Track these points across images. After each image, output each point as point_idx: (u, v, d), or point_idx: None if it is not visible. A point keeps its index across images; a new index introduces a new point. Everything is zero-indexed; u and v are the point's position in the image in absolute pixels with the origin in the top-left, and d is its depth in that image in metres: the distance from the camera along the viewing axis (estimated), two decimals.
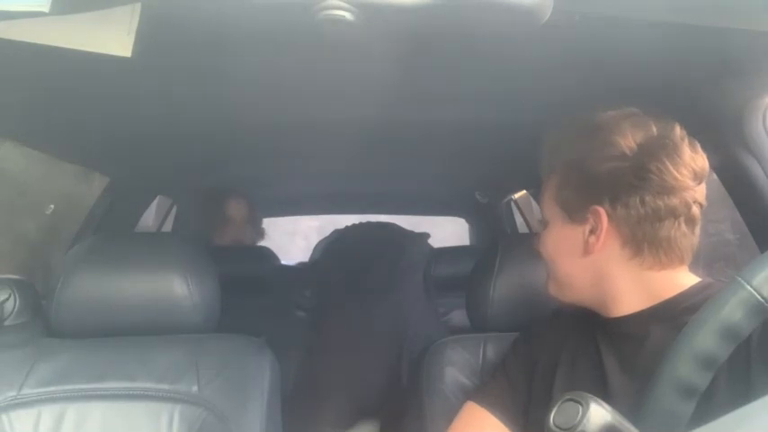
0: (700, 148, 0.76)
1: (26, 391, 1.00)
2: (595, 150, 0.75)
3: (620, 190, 0.73)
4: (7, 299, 1.14)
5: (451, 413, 0.95)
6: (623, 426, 0.49)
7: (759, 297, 0.55)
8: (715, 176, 1.00)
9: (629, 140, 0.74)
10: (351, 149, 1.60)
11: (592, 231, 0.76)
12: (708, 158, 0.77)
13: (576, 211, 0.78)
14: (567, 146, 0.80)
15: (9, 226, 1.48)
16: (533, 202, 2.35)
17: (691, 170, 0.73)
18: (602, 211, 0.75)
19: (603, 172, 0.74)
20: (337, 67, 0.88)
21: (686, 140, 0.75)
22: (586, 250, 0.77)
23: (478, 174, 2.12)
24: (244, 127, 1.30)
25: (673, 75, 0.88)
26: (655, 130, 0.75)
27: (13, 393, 1.00)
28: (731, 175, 1.00)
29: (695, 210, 0.74)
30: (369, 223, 1.86)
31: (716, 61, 0.83)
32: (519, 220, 2.61)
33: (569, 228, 0.79)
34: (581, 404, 0.50)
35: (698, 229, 0.76)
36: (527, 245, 1.20)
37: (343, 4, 0.53)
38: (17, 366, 1.02)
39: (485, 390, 0.92)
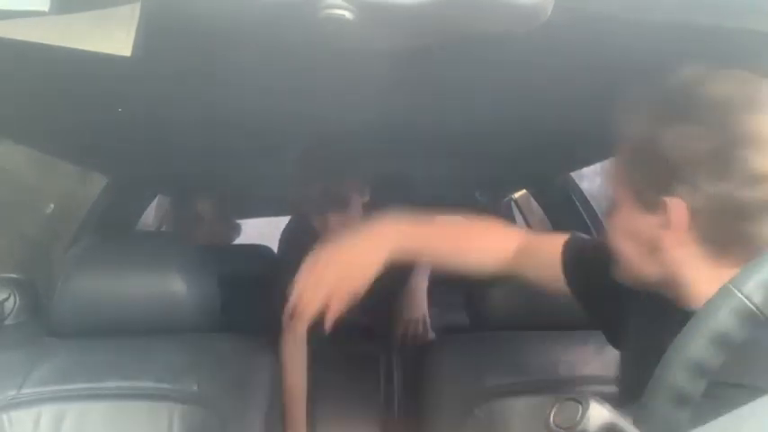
0: None
1: (26, 390, 1.00)
2: (676, 131, 0.65)
3: (701, 179, 0.63)
4: (7, 298, 1.14)
5: (452, 413, 0.94)
6: (623, 425, 0.49)
7: (749, 304, 0.54)
8: None
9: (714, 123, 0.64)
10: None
11: (665, 224, 0.66)
12: None
13: (649, 198, 0.68)
14: (642, 121, 0.69)
15: (9, 225, 1.48)
16: (533, 202, 2.35)
17: None
18: (680, 202, 0.65)
19: (683, 157, 0.64)
20: (337, 66, 0.88)
21: None
22: (658, 244, 0.68)
23: (478, 174, 2.11)
24: (244, 127, 1.30)
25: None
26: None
27: (12, 393, 0.99)
28: None
29: None
30: None
31: (716, 61, 0.83)
32: (519, 220, 2.61)
33: (640, 216, 0.69)
34: (581, 403, 0.50)
35: None
36: None
37: (342, 3, 0.53)
38: (17, 366, 1.02)
39: None
